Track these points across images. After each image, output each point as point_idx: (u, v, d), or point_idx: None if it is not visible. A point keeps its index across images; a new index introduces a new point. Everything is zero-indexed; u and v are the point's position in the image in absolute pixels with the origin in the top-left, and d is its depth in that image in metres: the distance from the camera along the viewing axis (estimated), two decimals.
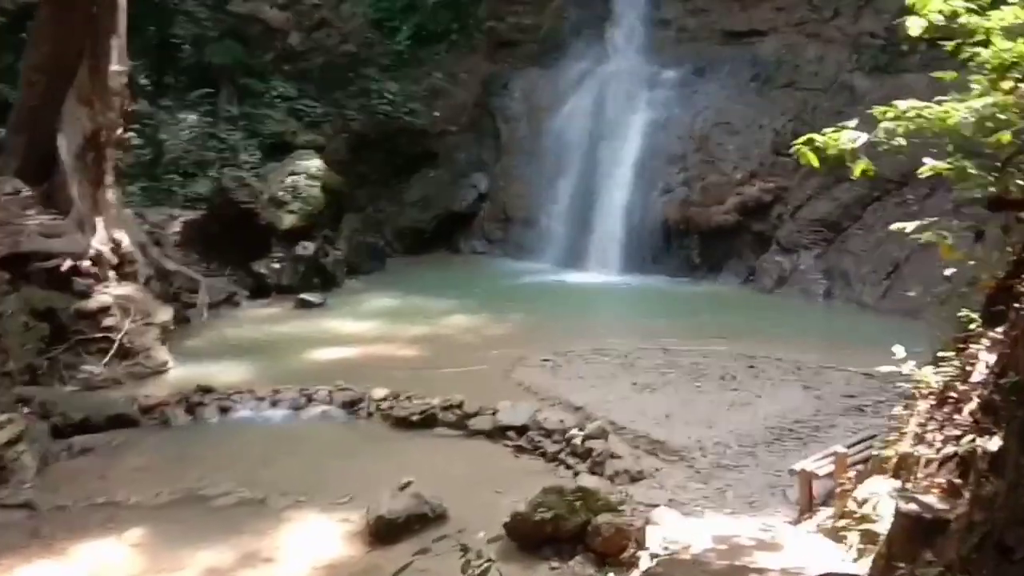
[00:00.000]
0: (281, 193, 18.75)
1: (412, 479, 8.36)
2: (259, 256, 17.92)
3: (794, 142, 6.14)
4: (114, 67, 13.33)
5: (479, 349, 13.93)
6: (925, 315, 15.01)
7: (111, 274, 13.19)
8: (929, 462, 4.97)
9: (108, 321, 12.45)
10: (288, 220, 18.47)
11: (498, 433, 10.25)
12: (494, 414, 10.48)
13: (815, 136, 6.00)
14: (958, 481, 4.60)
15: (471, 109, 23.46)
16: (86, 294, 12.55)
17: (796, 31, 20.14)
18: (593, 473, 9.03)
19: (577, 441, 9.55)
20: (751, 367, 12.40)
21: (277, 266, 17.90)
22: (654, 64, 21.55)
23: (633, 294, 18.84)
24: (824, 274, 17.78)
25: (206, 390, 11.31)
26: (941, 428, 5.08)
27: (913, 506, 4.50)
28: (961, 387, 5.07)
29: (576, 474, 9.09)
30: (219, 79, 21.87)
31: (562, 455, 9.56)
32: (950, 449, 4.77)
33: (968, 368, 5.13)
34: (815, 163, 5.93)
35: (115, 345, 12.26)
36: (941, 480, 4.73)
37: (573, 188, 21.12)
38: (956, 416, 4.98)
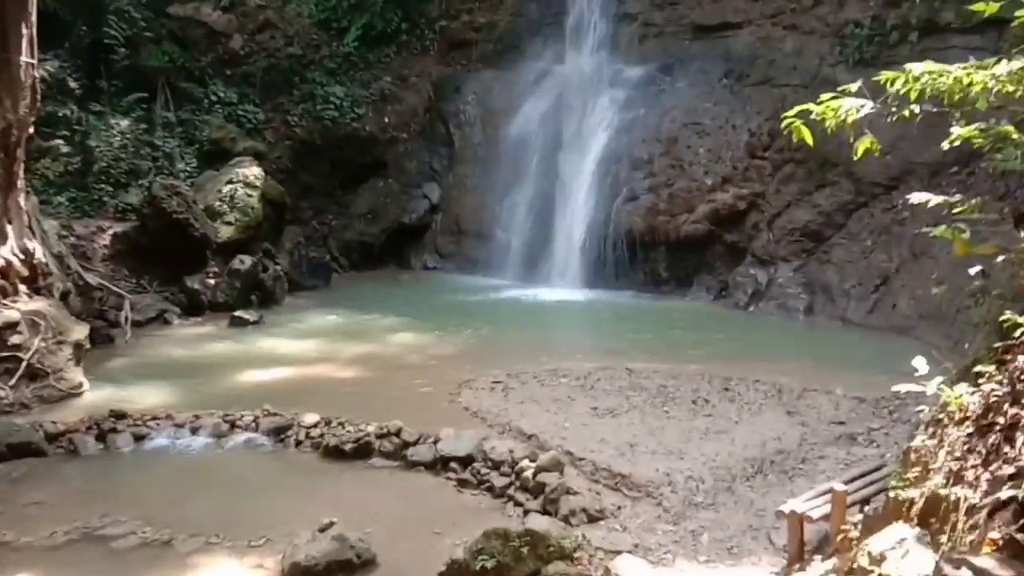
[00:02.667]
0: (217, 203, 17.51)
1: (335, 519, 7.37)
2: (193, 271, 16.63)
3: (784, 115, 5.22)
4: (24, 59, 11.93)
5: (424, 370, 12.77)
6: (919, 332, 14.26)
7: (21, 287, 11.82)
8: (973, 509, 3.78)
9: (15, 339, 11.10)
10: (224, 232, 17.21)
11: (440, 464, 9.10)
12: (435, 443, 9.33)
13: (810, 106, 5.06)
14: (1021, 536, 3.42)
15: (422, 115, 22.30)
16: None
17: (772, 23, 18.90)
18: (546, 512, 7.83)
19: (528, 474, 8.37)
20: (726, 390, 11.29)
21: (212, 281, 16.63)
22: (617, 62, 20.42)
23: (595, 311, 17.72)
24: (804, 288, 16.76)
25: (119, 416, 10.14)
26: (986, 463, 3.90)
27: (966, 572, 3.32)
28: (1011, 410, 3.89)
29: (526, 512, 7.93)
30: (155, 83, 20.49)
31: (511, 490, 8.41)
32: (1006, 493, 3.58)
33: (1019, 386, 3.95)
34: (808, 139, 5.04)
35: (22, 365, 10.96)
36: (995, 534, 3.54)
37: (531, 198, 20.00)
38: (1007, 448, 3.81)
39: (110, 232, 16.42)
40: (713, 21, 20.04)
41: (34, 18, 12.04)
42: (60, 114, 17.85)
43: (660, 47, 20.57)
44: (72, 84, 18.23)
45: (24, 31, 11.77)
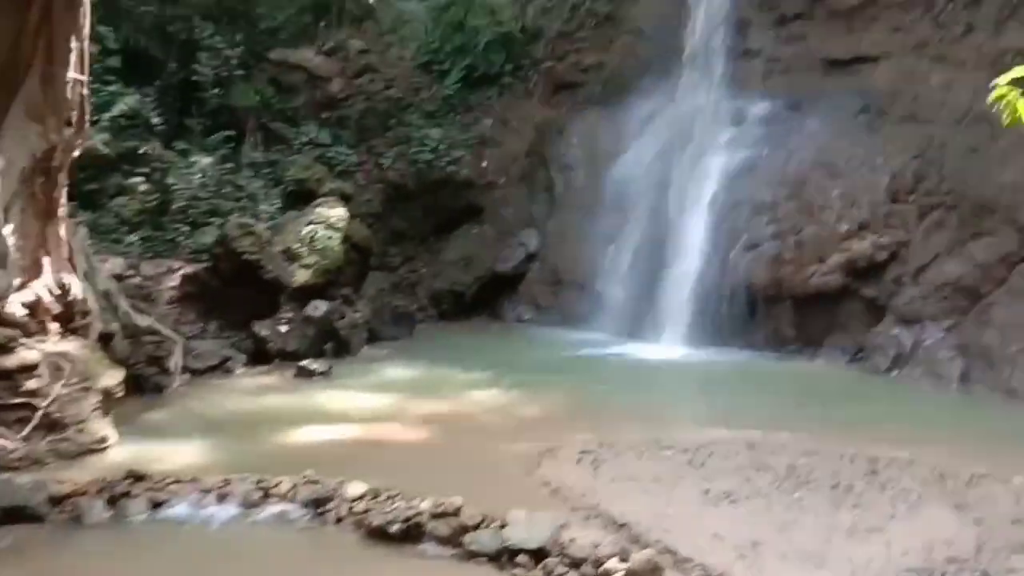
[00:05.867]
0: (296, 245, 16.21)
1: None
2: (265, 316, 15.34)
3: (993, 83, 4.00)
4: (72, 75, 10.87)
5: (503, 433, 10.89)
6: None
7: (53, 326, 10.52)
8: None
9: (31, 383, 9.63)
10: (300, 275, 15.85)
11: (505, 557, 7.10)
12: (502, 528, 7.35)
13: None
14: None
15: (523, 159, 20.75)
16: (6, 348, 9.82)
17: (916, 55, 16.69)
18: None
19: None
20: (873, 473, 9.00)
21: (283, 328, 15.20)
22: (738, 99, 18.49)
23: (708, 372, 15.53)
24: (958, 352, 14.16)
25: (138, 477, 8.48)
26: None
27: None
28: None
29: None
30: (245, 122, 19.77)
31: None
32: None
33: None
34: None
35: (38, 414, 9.49)
36: None
37: (637, 245, 18.04)
38: None
39: (180, 273, 15.35)
40: (847, 55, 17.93)
41: (87, 31, 10.97)
42: (141, 151, 17.15)
43: (787, 83, 18.55)
44: (155, 120, 17.50)
45: (74, 44, 10.67)
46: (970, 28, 15.96)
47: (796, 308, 16.09)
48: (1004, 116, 3.89)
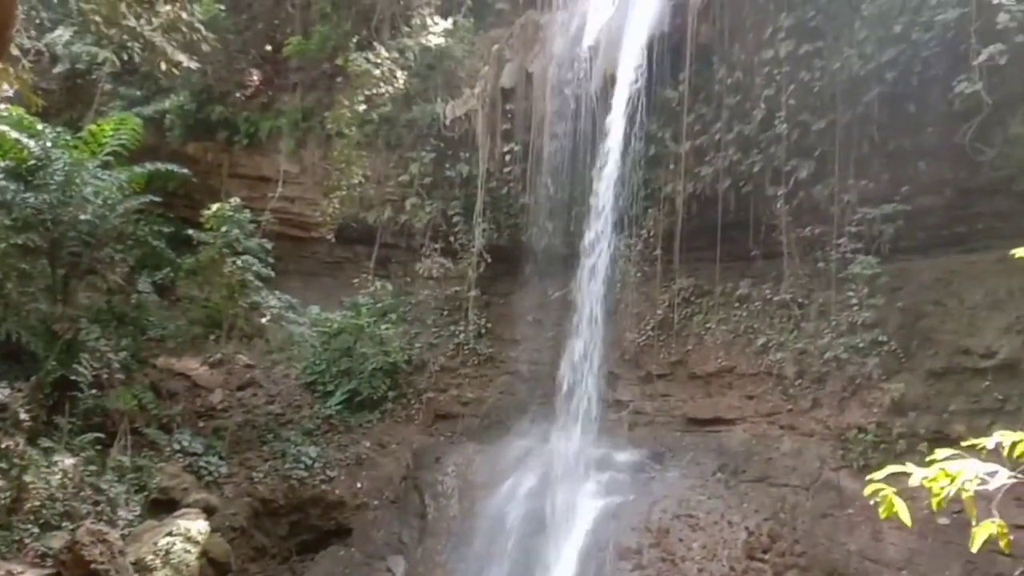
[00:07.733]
0: (150, 557, 15.52)
1: None
2: None
3: (870, 477, 4.16)
4: None
5: None
6: None
7: None
8: None
9: None
10: None
11: None
12: None
13: (911, 468, 3.99)
14: None
15: (397, 483, 20.77)
16: None
17: (767, 421, 18.11)
18: None
19: None
20: None
21: None
22: (606, 446, 19.43)
23: None
24: None
25: None
26: None
27: None
28: None
29: None
30: (118, 425, 19.37)
31: None
32: None
33: None
34: (905, 516, 4.03)
35: None
36: None
37: None
38: None
39: None
40: (705, 415, 19.45)
41: None
42: (3, 446, 16.47)
43: (651, 435, 19.85)
44: (23, 416, 17.03)
45: None
46: (816, 403, 17.45)
47: None
48: (881, 510, 4.08)
